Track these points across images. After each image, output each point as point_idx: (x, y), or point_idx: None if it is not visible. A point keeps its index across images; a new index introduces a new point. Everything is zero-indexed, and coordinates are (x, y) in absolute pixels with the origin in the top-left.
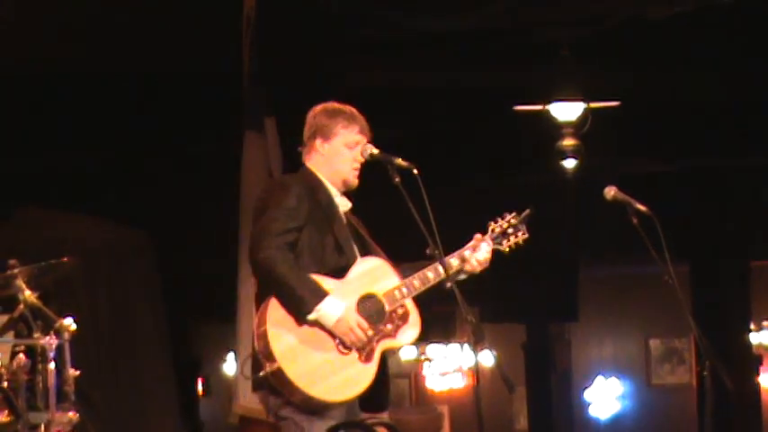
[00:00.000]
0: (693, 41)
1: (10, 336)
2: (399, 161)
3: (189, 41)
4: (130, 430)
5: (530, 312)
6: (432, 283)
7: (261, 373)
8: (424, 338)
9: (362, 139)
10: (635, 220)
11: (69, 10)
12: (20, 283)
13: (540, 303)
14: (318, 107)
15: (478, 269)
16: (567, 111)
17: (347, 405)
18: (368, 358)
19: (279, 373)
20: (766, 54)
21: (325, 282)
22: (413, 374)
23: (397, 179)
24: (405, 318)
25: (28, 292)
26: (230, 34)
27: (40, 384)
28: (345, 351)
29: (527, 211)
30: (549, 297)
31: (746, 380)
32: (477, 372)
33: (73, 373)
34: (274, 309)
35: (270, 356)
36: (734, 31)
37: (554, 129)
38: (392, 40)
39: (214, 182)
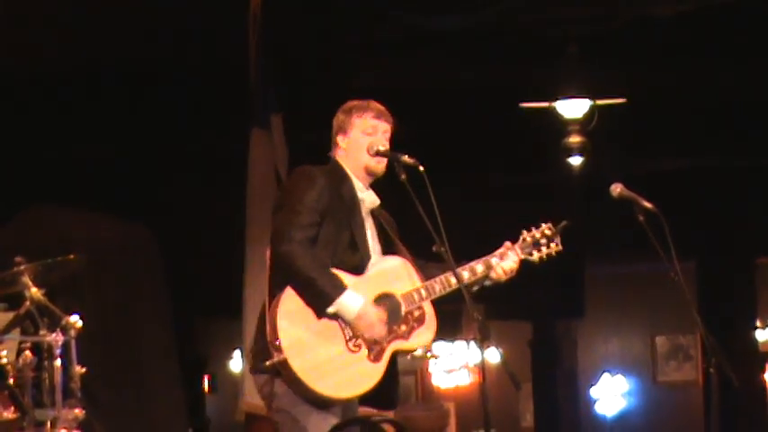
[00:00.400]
0: (699, 39)
1: (16, 333)
2: (405, 158)
3: (195, 38)
4: (136, 427)
5: (536, 310)
6: (453, 287)
7: (267, 363)
8: None
9: (379, 124)
10: (641, 218)
11: (75, 5)
12: (26, 280)
13: (546, 301)
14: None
15: (504, 278)
16: (573, 108)
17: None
18: (377, 358)
19: (284, 365)
20: None
21: (343, 277)
22: (419, 371)
23: (402, 176)
24: (420, 320)
25: (34, 289)
26: (237, 31)
27: (47, 381)
28: (354, 348)
29: (564, 223)
30: (556, 294)
31: (752, 377)
32: (483, 369)
33: (79, 370)
34: (288, 300)
35: (278, 347)
36: (739, 30)
37: (560, 126)
38: (396, 39)
39: (220, 179)
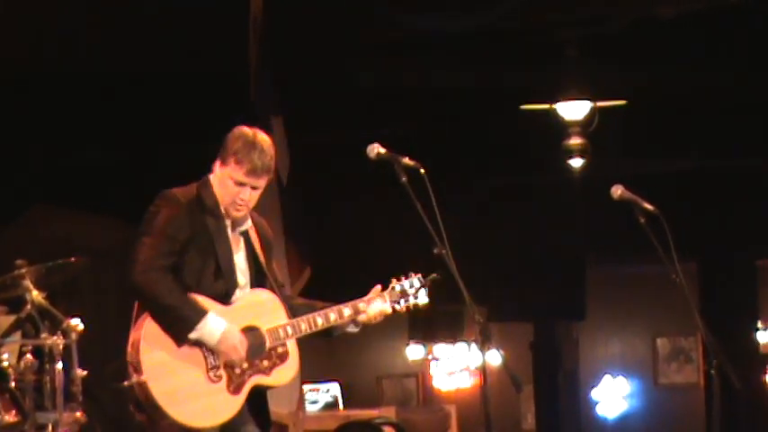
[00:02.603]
0: (701, 41)
1: (17, 336)
2: (406, 160)
3: (198, 41)
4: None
5: (537, 311)
6: (319, 328)
7: (125, 383)
8: (431, 337)
9: (249, 182)
10: (642, 219)
11: (80, 10)
12: (27, 283)
13: (547, 302)
14: (242, 128)
15: (371, 323)
16: (573, 110)
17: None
18: (236, 390)
19: (143, 387)
20: None
21: (210, 305)
22: (420, 374)
23: (403, 178)
24: (283, 357)
25: (35, 293)
26: (238, 34)
27: (48, 384)
28: (215, 378)
29: (433, 276)
30: (557, 296)
31: (753, 379)
32: (484, 371)
33: (80, 373)
34: (152, 321)
35: (138, 368)
36: (742, 31)
37: (561, 128)
38: (398, 41)
39: None
